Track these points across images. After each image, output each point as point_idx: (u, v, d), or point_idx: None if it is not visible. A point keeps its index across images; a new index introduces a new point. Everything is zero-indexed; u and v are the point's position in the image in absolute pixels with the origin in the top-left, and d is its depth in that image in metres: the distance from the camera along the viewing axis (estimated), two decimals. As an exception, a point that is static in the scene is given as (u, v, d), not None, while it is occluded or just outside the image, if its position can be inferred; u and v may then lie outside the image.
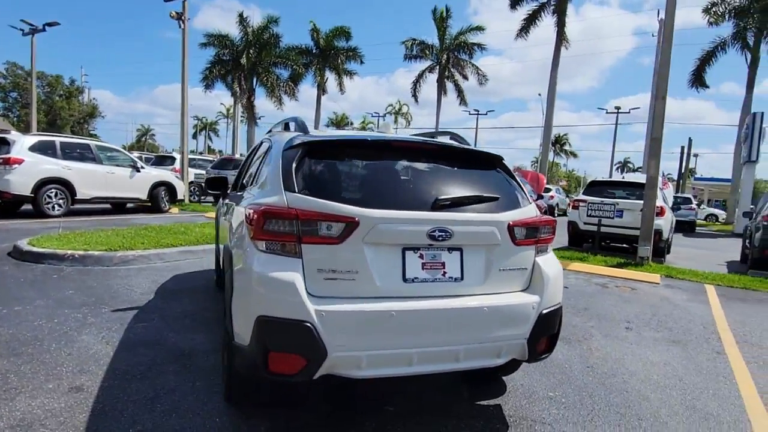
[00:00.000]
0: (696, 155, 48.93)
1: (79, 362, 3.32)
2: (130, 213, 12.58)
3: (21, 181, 10.00)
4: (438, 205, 2.51)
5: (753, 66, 24.43)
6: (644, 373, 3.77)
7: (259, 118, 35.48)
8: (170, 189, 13.25)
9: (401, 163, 2.68)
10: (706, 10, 25.14)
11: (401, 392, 3.18)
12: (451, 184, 2.70)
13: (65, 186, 10.73)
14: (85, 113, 54.15)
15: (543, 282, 2.71)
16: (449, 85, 33.85)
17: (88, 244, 6.49)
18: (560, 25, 26.73)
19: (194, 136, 77.59)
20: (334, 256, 2.33)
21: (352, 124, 69.34)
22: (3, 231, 8.43)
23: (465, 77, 33.12)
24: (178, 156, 17.98)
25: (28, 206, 10.52)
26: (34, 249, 6.22)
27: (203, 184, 16.98)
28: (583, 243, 10.51)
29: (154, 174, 13.03)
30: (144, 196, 12.62)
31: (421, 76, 33.84)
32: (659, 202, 9.05)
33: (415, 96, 34.42)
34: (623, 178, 11.45)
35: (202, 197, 17.19)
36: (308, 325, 2.23)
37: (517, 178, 3.00)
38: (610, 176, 28.50)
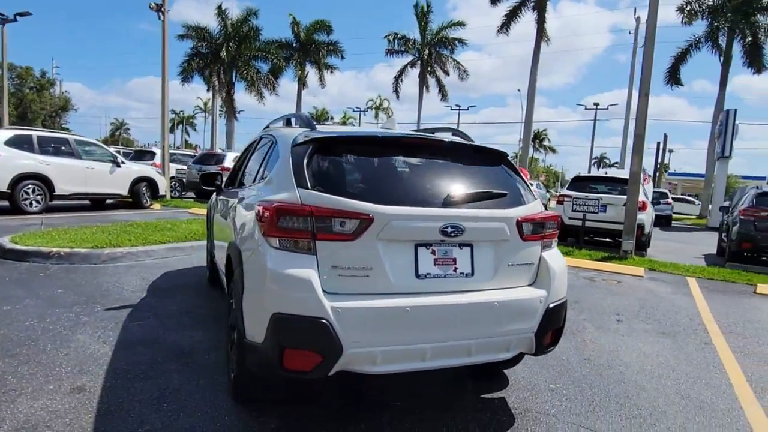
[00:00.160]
0: (671, 151, 50.08)
1: (78, 362, 3.26)
2: (111, 209, 12.31)
3: (-3, 177, 9.71)
4: (449, 202, 2.53)
5: (726, 64, 25.08)
6: (639, 364, 3.88)
7: (239, 113, 35.05)
8: (152, 185, 13.01)
9: (411, 160, 2.69)
10: (681, 9, 25.70)
11: (407, 388, 3.20)
12: (460, 181, 2.72)
13: (43, 182, 10.45)
14: (57, 106, 52.62)
15: (549, 276, 2.76)
16: (431, 81, 33.91)
17: (73, 241, 6.34)
18: (540, 21, 26.97)
19: (171, 130, 76.10)
20: (348, 253, 2.34)
21: (332, 119, 68.90)
22: (-20, 228, 8.17)
23: (446, 73, 33.25)
24: (157, 151, 17.65)
25: (4, 203, 10.22)
26: (18, 247, 6.05)
27: (184, 180, 16.87)
28: (567, 237, 10.70)
29: (135, 169, 12.78)
30: (125, 191, 12.37)
31: (402, 71, 33.86)
32: (641, 197, 9.25)
33: (396, 91, 34.47)
34: (606, 173, 11.68)
35: (184, 193, 16.92)
36: (324, 321, 2.23)
37: (521, 174, 3.04)
38: (589, 171, 28.97)
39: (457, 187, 2.64)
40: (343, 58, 34.08)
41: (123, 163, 12.33)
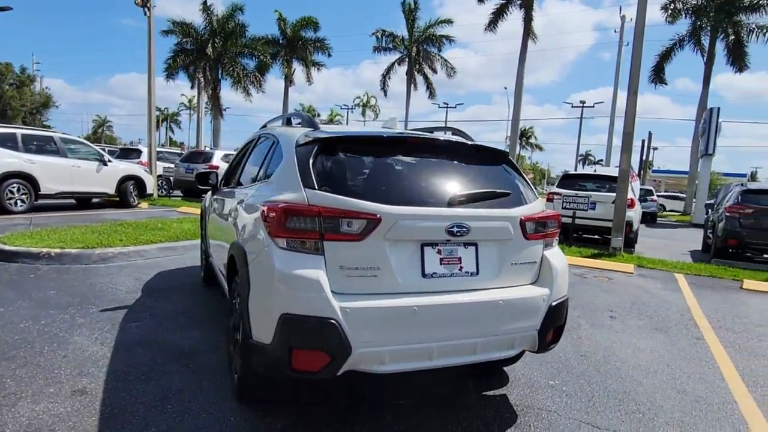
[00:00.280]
0: (655, 148, 50.80)
1: (77, 364, 3.22)
2: (98, 208, 12.14)
3: (-20, 176, 9.51)
4: (455, 201, 2.55)
5: (709, 63, 25.48)
6: (634, 360, 3.94)
7: (225, 110, 34.75)
8: (139, 183, 12.84)
9: (416, 159, 2.70)
10: (665, 8, 26.05)
11: (409, 386, 3.22)
12: (465, 180, 2.74)
13: (28, 180, 10.25)
14: (39, 103, 51.56)
15: (552, 275, 2.79)
16: (418, 78, 33.96)
17: (63, 241, 6.24)
18: (527, 19, 27.09)
19: (148, 128, 75.03)
20: (356, 253, 2.34)
21: (318, 116, 68.63)
22: (-35, 228, 8.01)
23: (434, 70, 33.32)
24: (144, 149, 17.43)
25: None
26: (6, 247, 5.94)
27: (172, 178, 16.68)
28: (557, 234, 10.77)
29: (122, 168, 12.61)
30: (112, 190, 12.20)
31: (390, 68, 33.86)
32: (629, 195, 9.38)
33: (384, 89, 34.45)
34: (595, 171, 11.82)
35: (171, 191, 16.74)
36: (333, 322, 2.23)
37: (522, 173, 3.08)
38: (575, 169, 29.32)
39: (462, 186, 2.66)
40: (330, 55, 34.03)
41: (110, 161, 12.15)
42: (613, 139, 29.69)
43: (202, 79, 30.88)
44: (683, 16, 25.94)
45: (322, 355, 2.27)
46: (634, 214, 10.13)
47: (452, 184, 2.66)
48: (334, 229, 2.32)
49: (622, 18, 30.96)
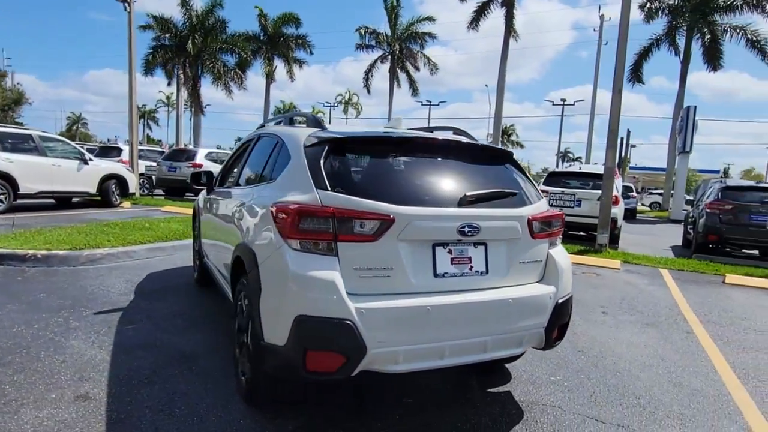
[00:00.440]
0: (633, 146, 51.78)
1: (77, 369, 3.16)
2: (79, 208, 11.87)
3: (-44, 176, 9.22)
4: (465, 201, 2.57)
5: (685, 62, 26.03)
6: (630, 355, 4.03)
7: (206, 107, 34.27)
8: (121, 182, 12.59)
9: (425, 160, 2.72)
10: (642, 7, 26.53)
11: (415, 384, 3.24)
12: (473, 180, 2.76)
13: (6, 180, 9.96)
14: (10, 100, 50.09)
15: (557, 273, 2.84)
16: (401, 76, 33.97)
17: (49, 242, 6.10)
18: (509, 17, 27.33)
19: (129, 125, 73.63)
20: (370, 254, 2.35)
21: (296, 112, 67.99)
22: (-58, 230, 7.75)
23: (417, 68, 33.36)
24: (124, 147, 17.11)
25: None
26: (-10, 249, 5.77)
27: (154, 177, 16.39)
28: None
29: (104, 166, 12.35)
30: (93, 189, 11.93)
31: (373, 65, 33.80)
32: (614, 192, 9.56)
33: (367, 86, 34.39)
34: (580, 169, 12.01)
35: (153, 190, 16.46)
36: (349, 322, 2.24)
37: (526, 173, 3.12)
38: (557, 166, 29.80)
39: (471, 186, 2.68)
40: (311, 53, 33.83)
41: (91, 160, 11.89)
42: (594, 138, 30.21)
43: (182, 76, 30.37)
44: (660, 15, 26.46)
45: (337, 356, 2.28)
46: (619, 210, 10.33)
47: (461, 184, 2.68)
48: (348, 230, 2.32)
49: (601, 17, 31.49)
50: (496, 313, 2.57)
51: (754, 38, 23.89)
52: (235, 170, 4.14)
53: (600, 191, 9.60)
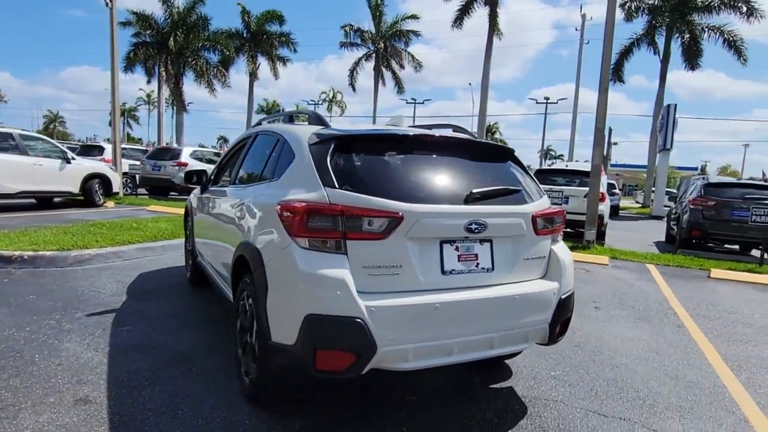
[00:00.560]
0: (615, 143, 52.48)
1: (74, 372, 3.09)
2: (62, 208, 11.61)
3: (-66, 175, 8.95)
4: (471, 198, 2.58)
5: (665, 61, 26.46)
6: (625, 349, 4.09)
7: (189, 104, 33.79)
8: (105, 181, 12.33)
9: (431, 157, 2.72)
10: (622, 5, 26.90)
11: (418, 382, 3.25)
12: (478, 177, 2.77)
13: (-14, 179, 9.71)
14: (-16, 98, 48.87)
15: (561, 269, 2.87)
16: (386, 74, 33.97)
17: (35, 243, 5.95)
18: (492, 15, 27.49)
19: (111, 123, 72.43)
20: (378, 252, 2.34)
21: (283, 110, 67.64)
22: None
23: (402, 66, 33.38)
24: (106, 146, 16.79)
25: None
26: (-27, 251, 5.62)
27: (137, 176, 16.11)
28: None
29: (87, 165, 12.09)
30: (76, 189, 11.68)
31: (358, 63, 33.73)
32: (601, 189, 9.68)
33: (352, 84, 34.30)
34: (567, 166, 12.15)
35: (137, 190, 16.18)
36: (359, 321, 2.23)
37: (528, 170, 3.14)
38: (540, 164, 30.12)
39: (476, 183, 2.69)
40: (295, 50, 33.60)
41: (73, 159, 11.63)
42: (576, 136, 30.53)
43: (164, 73, 29.89)
44: (640, 15, 26.86)
45: (347, 354, 2.27)
46: (605, 207, 10.48)
47: (467, 182, 2.69)
48: (356, 228, 2.31)
49: (583, 16, 31.84)
50: (502, 310, 2.59)
51: (731, 38, 24.40)
52: (232, 169, 4.09)
53: (587, 188, 9.74)
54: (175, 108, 31.92)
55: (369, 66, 33.89)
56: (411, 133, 2.73)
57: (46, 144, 11.52)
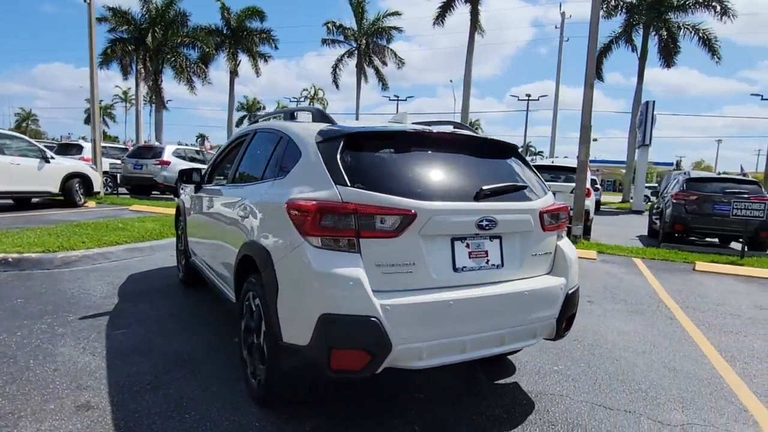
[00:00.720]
0: (595, 139, 53.30)
1: (72, 377, 3.00)
2: (41, 208, 11.30)
3: None
4: (481, 195, 2.57)
5: (642, 59, 26.91)
6: (623, 342, 4.15)
7: (168, 102, 33.19)
8: (85, 181, 12.05)
9: (440, 154, 2.71)
10: (602, 2, 27.25)
11: (424, 380, 3.24)
12: (485, 174, 2.77)
13: (-39, 180, 9.41)
14: (-47, 95, 47.25)
15: (567, 264, 2.89)
16: (369, 71, 33.87)
17: (19, 245, 5.78)
18: (474, 13, 27.60)
19: (87, 122, 70.84)
20: (392, 250, 2.32)
21: (264, 108, 66.99)
22: None
23: (384, 63, 33.31)
24: (85, 144, 16.40)
25: None
26: (-46, 254, 5.43)
27: (118, 176, 15.77)
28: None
29: (67, 165, 11.80)
30: (56, 189, 11.38)
31: (340, 60, 33.54)
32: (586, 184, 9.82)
33: (335, 81, 34.09)
34: (552, 162, 12.27)
35: (117, 189, 15.84)
36: (374, 320, 2.21)
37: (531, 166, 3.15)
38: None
39: (484, 180, 2.68)
40: (276, 47, 33.29)
41: (52, 158, 11.33)
42: (557, 132, 30.90)
43: (142, 70, 29.30)
44: (618, 13, 27.28)
45: (363, 353, 2.24)
46: (590, 202, 10.63)
47: (475, 178, 2.68)
48: (369, 227, 2.28)
49: (563, 14, 32.24)
50: (513, 306, 2.59)
51: (706, 36, 24.94)
52: (229, 167, 4.01)
53: (572, 184, 9.85)
54: (153, 106, 31.27)
55: (352, 63, 33.78)
56: (419, 131, 2.71)
57: (23, 143, 11.20)
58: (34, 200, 11.82)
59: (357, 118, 30.91)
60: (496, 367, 3.50)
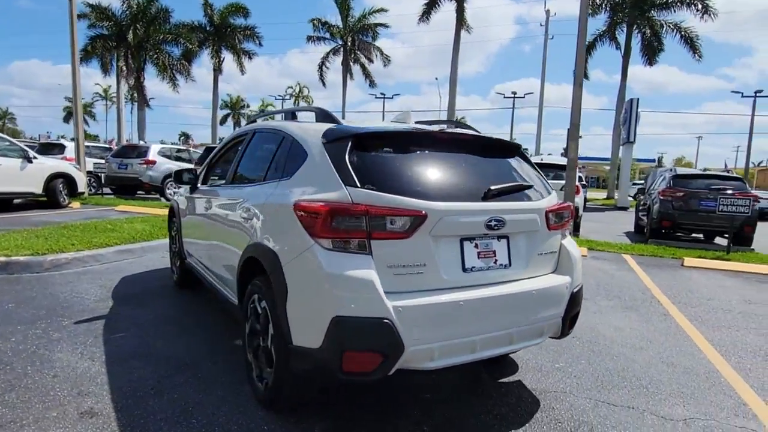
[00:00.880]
0: (580, 137, 53.91)
1: (73, 384, 2.95)
2: (23, 210, 11.05)
3: None
4: (489, 195, 2.58)
5: (626, 56, 27.23)
6: (620, 339, 4.20)
7: (150, 100, 32.66)
8: (69, 181, 11.81)
9: (447, 154, 2.70)
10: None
11: (427, 380, 3.24)
12: (492, 174, 2.78)
13: (-60, 181, 9.16)
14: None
15: (572, 263, 2.91)
16: (355, 68, 33.77)
17: (6, 248, 5.64)
18: (460, 10, 27.67)
19: (66, 120, 69.53)
20: (402, 251, 2.32)
21: (248, 106, 66.41)
22: None
23: (371, 60, 33.25)
24: (68, 144, 16.09)
25: None
26: (-61, 258, 5.28)
27: (103, 175, 15.48)
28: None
29: (50, 165, 11.55)
30: (39, 189, 11.13)
31: (326, 57, 33.38)
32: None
33: (322, 79, 33.94)
34: (542, 160, 12.36)
35: (102, 189, 15.56)
36: (387, 321, 2.20)
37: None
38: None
39: (491, 180, 2.69)
40: (261, 44, 33.05)
41: (35, 158, 11.09)
42: (543, 130, 31.19)
43: (123, 67, 28.81)
44: (602, 11, 27.58)
45: (375, 355, 2.24)
46: (580, 200, 10.75)
47: (483, 178, 2.69)
48: (380, 228, 2.27)
49: (547, 12, 32.55)
50: (521, 305, 2.61)
51: (688, 35, 25.34)
52: (226, 168, 3.96)
53: (562, 181, 9.94)
54: (135, 104, 30.77)
55: (337, 60, 33.63)
56: (427, 131, 2.71)
57: (5, 142, 10.94)
58: (16, 201, 11.56)
59: (343, 116, 30.69)
60: (499, 365, 3.52)
